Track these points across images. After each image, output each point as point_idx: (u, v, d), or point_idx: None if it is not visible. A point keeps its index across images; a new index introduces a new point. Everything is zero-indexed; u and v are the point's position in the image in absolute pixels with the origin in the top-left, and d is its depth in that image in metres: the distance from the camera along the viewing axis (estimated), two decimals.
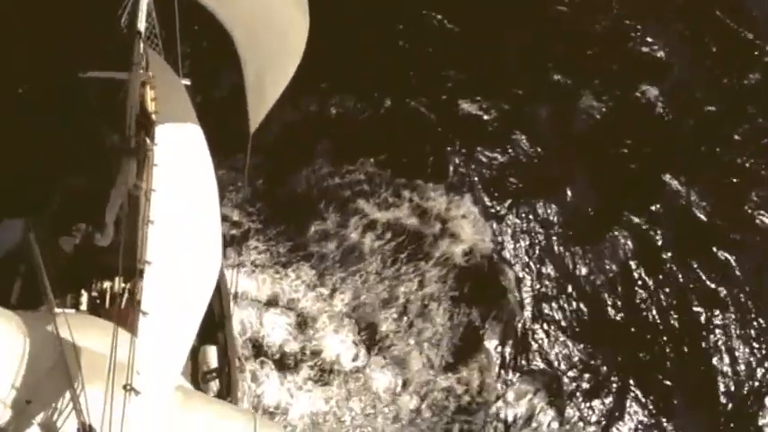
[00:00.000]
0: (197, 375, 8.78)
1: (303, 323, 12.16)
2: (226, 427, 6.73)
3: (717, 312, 14.39)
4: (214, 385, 8.78)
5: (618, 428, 12.98)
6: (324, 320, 12.32)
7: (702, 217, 15.38)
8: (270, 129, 13.19)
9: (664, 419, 13.20)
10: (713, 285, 14.60)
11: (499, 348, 13.05)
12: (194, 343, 8.92)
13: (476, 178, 14.65)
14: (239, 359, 10.04)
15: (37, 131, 11.53)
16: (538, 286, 13.90)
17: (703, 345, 14.06)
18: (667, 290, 14.54)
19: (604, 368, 13.41)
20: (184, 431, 6.34)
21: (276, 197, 13.36)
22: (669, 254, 14.83)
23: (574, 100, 16.15)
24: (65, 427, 5.80)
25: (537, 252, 14.22)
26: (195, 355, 8.95)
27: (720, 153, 16.24)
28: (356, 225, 13.42)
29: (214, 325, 9.13)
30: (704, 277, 14.72)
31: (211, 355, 8.95)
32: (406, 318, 12.83)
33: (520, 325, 13.38)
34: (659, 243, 14.93)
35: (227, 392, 8.74)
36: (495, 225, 14.21)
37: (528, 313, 13.59)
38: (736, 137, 16.51)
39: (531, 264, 14.07)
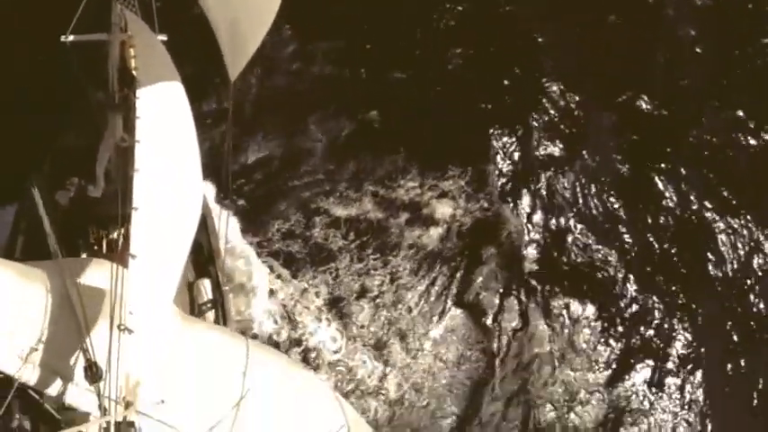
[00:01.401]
0: (194, 307, 9.41)
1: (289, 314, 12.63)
2: (219, 345, 7.23)
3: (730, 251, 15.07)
4: (210, 315, 9.43)
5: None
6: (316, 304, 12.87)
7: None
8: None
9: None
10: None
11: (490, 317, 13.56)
12: (190, 278, 9.57)
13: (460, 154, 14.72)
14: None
15: (24, 97, 11.99)
16: (524, 255, 14.23)
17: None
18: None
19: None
20: (179, 356, 6.80)
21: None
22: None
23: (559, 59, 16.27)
24: (74, 367, 6.19)
25: (519, 222, 14.47)
26: (191, 289, 9.58)
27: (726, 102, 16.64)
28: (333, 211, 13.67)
29: (205, 260, 9.75)
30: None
31: (206, 287, 9.60)
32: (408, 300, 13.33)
33: (513, 294, 13.81)
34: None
35: (223, 321, 9.43)
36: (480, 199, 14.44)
37: (516, 281, 13.98)
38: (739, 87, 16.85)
39: (514, 234, 14.32)
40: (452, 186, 14.30)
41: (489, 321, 13.48)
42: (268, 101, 14.24)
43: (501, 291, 13.78)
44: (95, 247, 8.98)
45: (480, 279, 13.73)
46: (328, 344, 12.48)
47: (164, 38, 8.62)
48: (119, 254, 8.36)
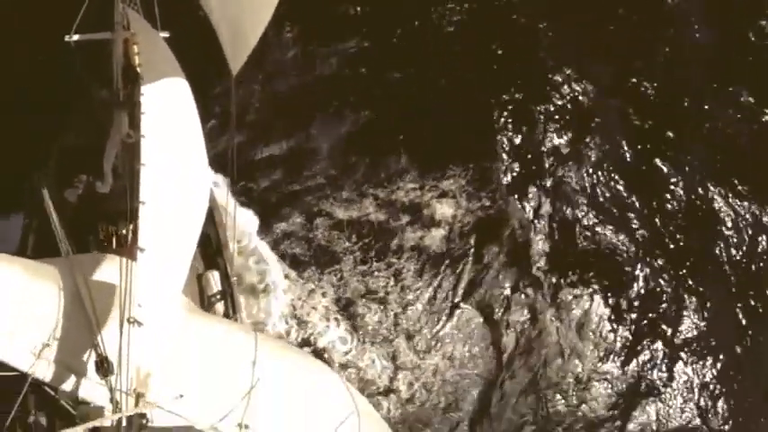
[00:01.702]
0: (203, 299, 9.56)
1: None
2: (228, 337, 7.39)
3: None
4: (220, 306, 9.56)
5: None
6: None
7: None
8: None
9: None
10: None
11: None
12: (199, 270, 9.67)
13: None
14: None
15: (27, 98, 12.11)
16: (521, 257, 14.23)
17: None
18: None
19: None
20: (188, 348, 6.94)
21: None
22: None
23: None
24: (86, 362, 6.35)
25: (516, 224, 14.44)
26: (200, 281, 9.72)
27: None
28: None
29: (213, 252, 9.90)
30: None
31: (214, 279, 9.75)
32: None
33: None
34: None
35: (232, 311, 9.56)
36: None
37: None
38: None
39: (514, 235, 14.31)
40: (454, 185, 14.33)
41: (496, 316, 13.55)
42: (270, 103, 14.29)
43: (507, 285, 13.85)
44: (105, 244, 9.11)
45: (486, 275, 13.81)
46: (338, 345, 12.59)
47: (166, 35, 8.76)
48: (128, 248, 8.49)
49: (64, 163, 9.85)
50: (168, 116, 7.09)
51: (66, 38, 8.77)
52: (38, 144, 10.59)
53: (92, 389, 6.32)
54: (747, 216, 15.32)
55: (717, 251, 14.99)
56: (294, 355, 8.15)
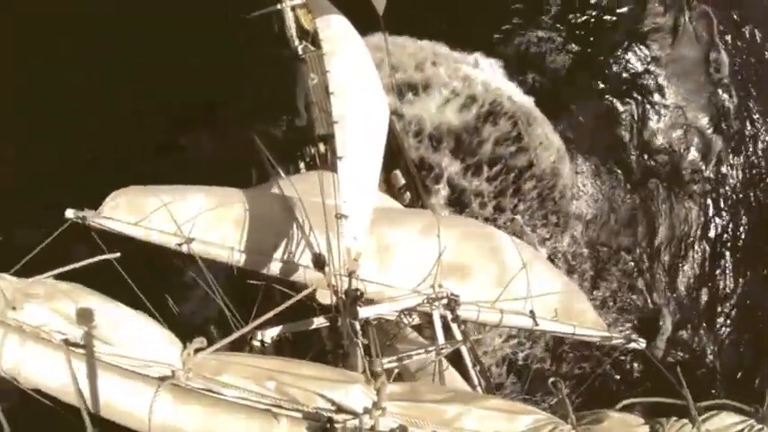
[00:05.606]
0: (393, 193, 11.26)
1: None
2: (415, 222, 8.71)
3: None
4: (407, 196, 11.28)
5: None
6: None
7: None
8: None
9: None
10: None
11: None
12: (383, 173, 11.53)
13: None
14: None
15: (225, 74, 13.97)
16: None
17: None
18: None
19: None
20: (386, 233, 8.39)
21: None
22: None
23: None
24: (300, 260, 7.64)
25: None
26: (388, 181, 11.53)
27: None
28: None
29: (395, 155, 11.66)
30: None
31: (399, 175, 11.54)
32: None
33: None
34: None
35: (417, 199, 11.24)
36: None
37: None
38: None
39: None
40: None
41: None
42: None
43: None
44: (311, 163, 11.14)
45: None
46: None
47: None
48: (325, 161, 10.51)
49: (266, 112, 12.11)
50: (344, 53, 8.40)
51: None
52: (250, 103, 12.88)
53: (314, 276, 7.51)
54: None
55: None
56: (469, 226, 9.54)
